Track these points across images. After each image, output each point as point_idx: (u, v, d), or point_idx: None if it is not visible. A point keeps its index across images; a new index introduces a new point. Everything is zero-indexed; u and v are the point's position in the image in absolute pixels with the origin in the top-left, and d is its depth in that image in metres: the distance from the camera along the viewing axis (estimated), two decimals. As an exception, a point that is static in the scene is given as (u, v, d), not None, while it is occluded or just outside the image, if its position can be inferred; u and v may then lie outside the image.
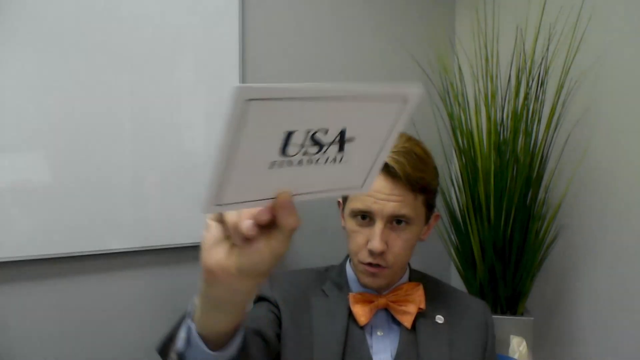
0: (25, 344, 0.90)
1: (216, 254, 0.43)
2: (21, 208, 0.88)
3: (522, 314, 1.21)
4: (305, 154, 0.42)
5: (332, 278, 0.92)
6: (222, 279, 0.43)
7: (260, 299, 0.90)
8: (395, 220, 0.82)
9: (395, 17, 1.43)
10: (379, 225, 0.80)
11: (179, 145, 1.03)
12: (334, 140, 0.42)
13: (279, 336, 0.83)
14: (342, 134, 0.43)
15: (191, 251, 1.07)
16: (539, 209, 1.19)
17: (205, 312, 0.50)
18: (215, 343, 0.51)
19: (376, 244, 0.79)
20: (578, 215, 1.23)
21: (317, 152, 0.42)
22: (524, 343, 1.14)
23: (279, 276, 0.93)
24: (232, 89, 0.37)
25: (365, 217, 0.83)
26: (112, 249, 0.97)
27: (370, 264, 0.83)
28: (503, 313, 1.21)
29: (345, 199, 0.90)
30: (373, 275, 0.84)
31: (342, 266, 0.95)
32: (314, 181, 0.44)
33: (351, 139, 0.43)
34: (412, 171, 0.80)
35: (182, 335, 0.53)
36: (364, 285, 0.88)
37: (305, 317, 0.85)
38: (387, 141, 0.45)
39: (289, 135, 0.41)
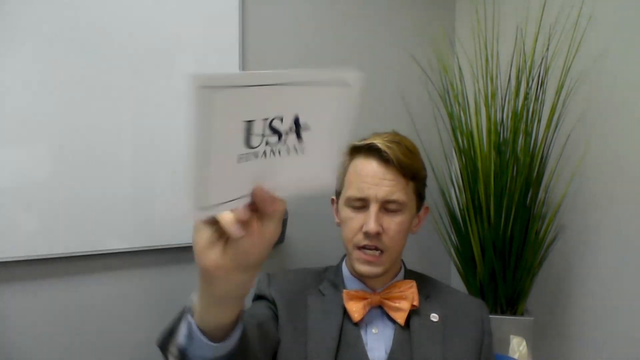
0: (25, 344, 0.90)
1: (211, 254, 0.44)
2: (21, 208, 0.87)
3: (522, 314, 1.21)
4: (267, 144, 0.43)
5: (329, 278, 0.93)
6: (220, 276, 0.45)
7: (258, 297, 0.92)
8: (389, 206, 0.85)
9: (395, 17, 1.43)
10: (373, 209, 0.83)
11: (179, 145, 1.03)
12: (290, 128, 0.44)
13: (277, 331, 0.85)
14: (296, 121, 0.44)
15: (191, 251, 1.06)
16: (539, 209, 1.19)
17: (206, 308, 0.51)
18: (216, 335, 0.53)
19: (372, 225, 0.82)
20: (578, 215, 1.23)
21: (278, 142, 0.44)
22: (524, 343, 1.14)
23: (278, 275, 0.94)
24: (190, 78, 0.37)
25: (360, 204, 0.86)
26: (112, 249, 0.97)
27: (364, 248, 0.85)
28: (503, 313, 1.21)
29: (339, 192, 0.92)
30: (369, 263, 0.85)
31: (338, 266, 0.96)
32: (282, 174, 0.45)
33: (307, 127, 0.45)
34: (402, 157, 0.84)
35: (183, 331, 0.54)
36: (360, 274, 0.88)
37: (301, 315, 0.86)
38: (342, 128, 0.46)
39: (250, 125, 0.42)
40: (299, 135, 0.45)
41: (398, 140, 0.87)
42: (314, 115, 0.45)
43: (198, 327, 0.52)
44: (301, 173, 0.46)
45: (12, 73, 0.86)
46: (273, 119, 0.43)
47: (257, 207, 0.44)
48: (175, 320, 0.58)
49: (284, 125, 0.44)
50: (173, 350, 0.56)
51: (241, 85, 0.41)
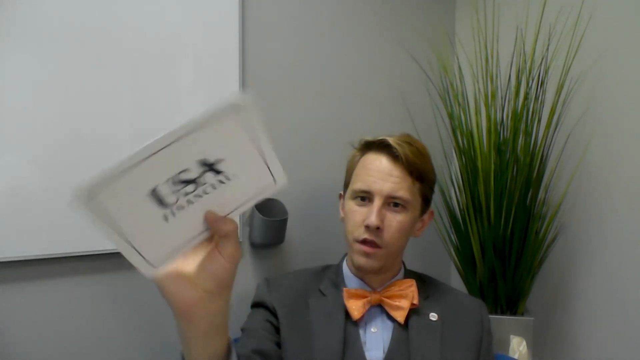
0: (24, 344, 0.90)
1: (182, 292, 0.47)
2: (20, 208, 0.87)
3: (522, 314, 1.21)
4: (186, 194, 0.46)
5: (329, 277, 0.93)
6: (198, 309, 0.48)
7: (257, 304, 0.90)
8: (393, 203, 0.86)
9: (395, 17, 1.43)
10: (376, 203, 0.84)
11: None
12: (202, 172, 0.45)
13: (279, 344, 0.84)
14: (204, 163, 0.45)
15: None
16: (539, 209, 1.19)
17: (194, 348, 0.52)
18: None
19: (373, 219, 0.82)
20: (578, 215, 1.23)
21: (196, 188, 0.46)
22: (524, 343, 1.14)
23: (277, 280, 0.93)
24: (72, 195, 0.43)
25: (365, 198, 0.87)
26: (111, 249, 0.97)
27: (365, 242, 0.85)
28: (503, 313, 1.21)
29: (346, 186, 0.92)
30: (367, 255, 0.85)
31: (339, 265, 0.96)
32: (225, 202, 0.48)
33: (220, 160, 0.46)
34: (412, 156, 0.85)
35: None
36: (358, 268, 0.88)
37: (303, 319, 0.86)
38: (260, 139, 0.47)
39: (154, 191, 0.44)
40: (216, 172, 0.46)
41: (410, 141, 0.88)
42: (220, 148, 0.45)
43: None
44: (243, 193, 0.48)
45: (11, 73, 0.86)
46: (177, 174, 0.44)
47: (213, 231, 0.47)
48: None
49: (192, 173, 0.45)
50: None
51: (120, 174, 0.43)
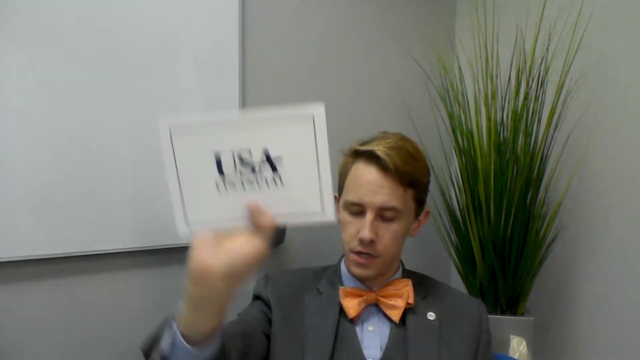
0: (24, 344, 0.90)
1: (204, 254, 0.48)
2: (21, 208, 0.88)
3: (522, 314, 1.21)
4: (241, 173, 0.50)
5: (327, 276, 0.94)
6: (205, 278, 0.48)
7: (256, 297, 0.93)
8: (386, 214, 0.85)
9: (395, 17, 1.43)
10: (369, 216, 0.83)
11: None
12: (262, 160, 0.50)
13: (268, 336, 0.85)
14: (267, 154, 0.50)
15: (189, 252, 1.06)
16: (539, 209, 1.19)
17: (189, 312, 0.53)
18: (196, 343, 0.55)
19: (366, 233, 0.82)
20: (578, 215, 1.23)
21: (252, 173, 0.50)
22: (524, 343, 1.14)
23: (275, 276, 0.95)
24: (159, 120, 0.49)
25: (358, 209, 0.86)
26: (111, 249, 0.97)
27: (360, 253, 0.85)
28: (503, 313, 1.21)
29: (340, 192, 0.92)
30: (362, 265, 0.86)
31: (337, 265, 0.97)
32: (270, 204, 0.50)
33: (279, 160, 0.50)
34: (403, 165, 0.83)
35: (166, 338, 0.56)
36: (354, 276, 0.89)
37: (297, 315, 0.86)
38: (321, 161, 0.50)
39: (218, 155, 0.50)
40: (273, 168, 0.50)
41: (401, 145, 0.86)
42: (284, 148, 0.50)
43: (181, 332, 0.54)
44: (289, 205, 0.51)
45: (13, 74, 0.86)
46: (240, 151, 0.50)
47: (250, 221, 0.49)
48: (160, 325, 0.59)
49: (254, 158, 0.50)
50: (156, 357, 0.57)
51: (200, 123, 0.50)
